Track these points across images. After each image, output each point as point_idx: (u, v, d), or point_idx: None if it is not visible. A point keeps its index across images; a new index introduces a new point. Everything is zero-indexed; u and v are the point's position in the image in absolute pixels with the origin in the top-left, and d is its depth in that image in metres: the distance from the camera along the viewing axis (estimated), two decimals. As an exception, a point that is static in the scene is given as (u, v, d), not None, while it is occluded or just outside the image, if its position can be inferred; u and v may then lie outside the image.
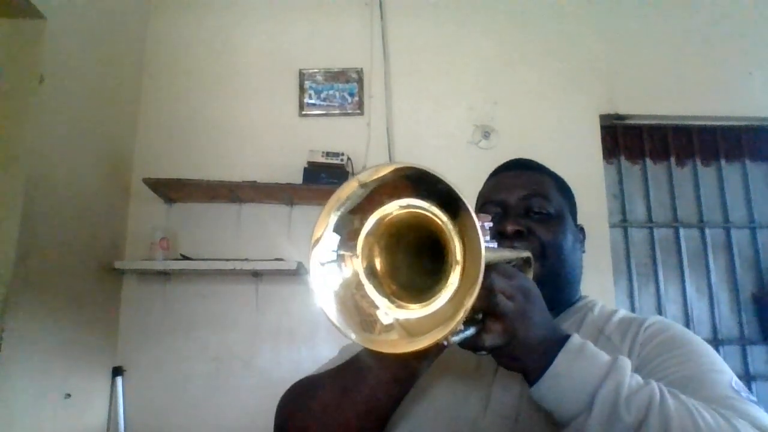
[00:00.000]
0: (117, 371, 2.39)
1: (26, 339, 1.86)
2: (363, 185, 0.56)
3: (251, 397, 2.39)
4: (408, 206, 0.57)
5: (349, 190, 0.56)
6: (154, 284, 2.51)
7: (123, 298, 2.51)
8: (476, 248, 0.50)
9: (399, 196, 0.57)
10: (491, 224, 0.66)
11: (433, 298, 0.55)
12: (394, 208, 0.58)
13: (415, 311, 0.56)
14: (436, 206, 0.55)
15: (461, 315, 0.50)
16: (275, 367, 2.46)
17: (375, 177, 0.56)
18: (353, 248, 0.59)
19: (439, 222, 0.55)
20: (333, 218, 0.57)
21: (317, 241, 0.57)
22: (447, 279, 0.54)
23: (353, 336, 0.55)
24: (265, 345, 2.49)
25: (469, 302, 0.50)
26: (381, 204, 0.58)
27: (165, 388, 2.41)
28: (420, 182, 0.55)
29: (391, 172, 0.55)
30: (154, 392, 2.41)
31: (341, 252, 0.58)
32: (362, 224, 0.58)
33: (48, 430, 1.98)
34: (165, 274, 2.50)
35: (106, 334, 2.40)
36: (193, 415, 2.39)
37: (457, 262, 0.53)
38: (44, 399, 1.97)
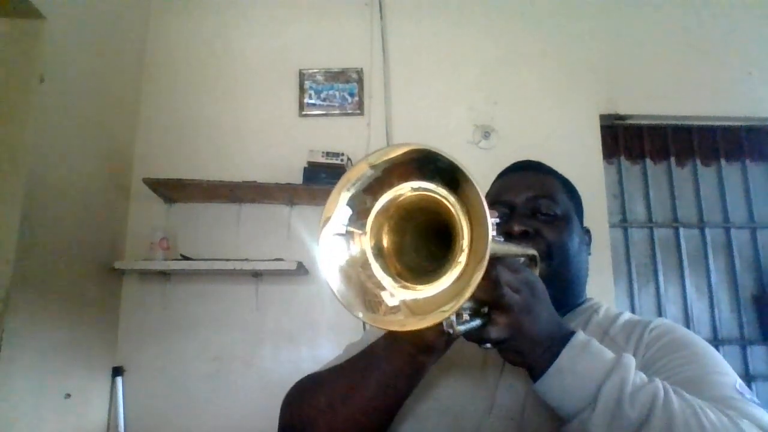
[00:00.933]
0: (117, 371, 2.39)
1: (26, 339, 1.85)
2: (373, 167, 0.56)
3: (251, 397, 2.39)
4: (419, 189, 0.57)
5: (358, 171, 0.56)
6: (154, 284, 2.51)
7: (123, 298, 2.50)
8: (484, 228, 0.50)
9: (409, 178, 0.57)
10: (498, 220, 0.66)
11: (440, 278, 0.54)
12: (406, 189, 0.58)
13: (421, 291, 0.56)
14: (445, 188, 0.55)
15: (469, 291, 0.49)
16: (275, 367, 2.45)
17: (385, 158, 0.55)
18: (362, 226, 0.58)
19: (448, 204, 0.55)
20: (343, 198, 0.57)
21: (327, 219, 0.57)
22: (454, 259, 0.53)
23: (360, 315, 0.55)
24: (265, 345, 2.49)
25: (478, 277, 0.49)
26: (391, 185, 0.57)
27: (165, 388, 2.41)
28: (429, 164, 0.55)
29: (402, 153, 0.55)
30: (154, 392, 2.40)
31: (350, 229, 0.58)
32: (373, 204, 0.58)
33: (48, 430, 1.98)
34: (165, 274, 2.50)
35: (106, 334, 2.39)
36: (193, 415, 2.38)
37: (463, 244, 0.53)
38: (44, 399, 1.96)
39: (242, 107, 2.72)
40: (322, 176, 2.48)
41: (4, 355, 1.73)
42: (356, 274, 0.58)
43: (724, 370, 0.78)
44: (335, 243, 0.58)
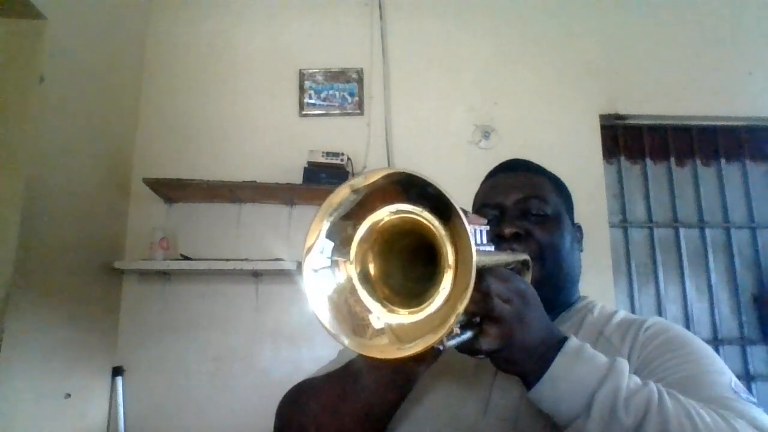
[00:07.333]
0: (117, 371, 2.39)
1: (26, 339, 1.86)
2: (355, 191, 0.56)
3: (251, 397, 2.39)
4: (398, 212, 0.57)
5: (341, 196, 0.56)
6: (154, 284, 2.51)
7: (123, 298, 2.51)
8: (468, 252, 0.50)
9: (391, 202, 0.56)
10: (488, 228, 0.66)
11: (426, 304, 0.54)
12: (385, 214, 0.57)
13: (407, 317, 0.56)
14: (427, 211, 0.55)
15: (452, 321, 0.50)
16: (275, 367, 2.46)
17: (366, 183, 0.55)
18: (347, 254, 0.58)
19: (431, 226, 0.54)
20: (326, 224, 0.57)
21: (310, 247, 0.57)
22: (439, 284, 0.53)
23: (346, 342, 0.55)
24: (265, 345, 2.49)
25: (461, 308, 0.49)
26: (373, 210, 0.57)
27: (165, 388, 2.42)
28: (410, 187, 0.54)
29: (382, 177, 0.55)
30: (154, 392, 2.41)
31: (335, 258, 0.58)
32: (355, 230, 0.58)
33: (48, 430, 1.99)
34: (165, 274, 2.50)
35: (106, 334, 2.40)
36: (193, 415, 2.39)
37: (449, 266, 0.52)
38: (44, 399, 1.97)
39: (242, 107, 2.72)
40: (322, 176, 2.48)
41: (4, 355, 1.74)
42: (344, 300, 0.57)
43: (720, 369, 0.79)
44: (321, 273, 0.57)
